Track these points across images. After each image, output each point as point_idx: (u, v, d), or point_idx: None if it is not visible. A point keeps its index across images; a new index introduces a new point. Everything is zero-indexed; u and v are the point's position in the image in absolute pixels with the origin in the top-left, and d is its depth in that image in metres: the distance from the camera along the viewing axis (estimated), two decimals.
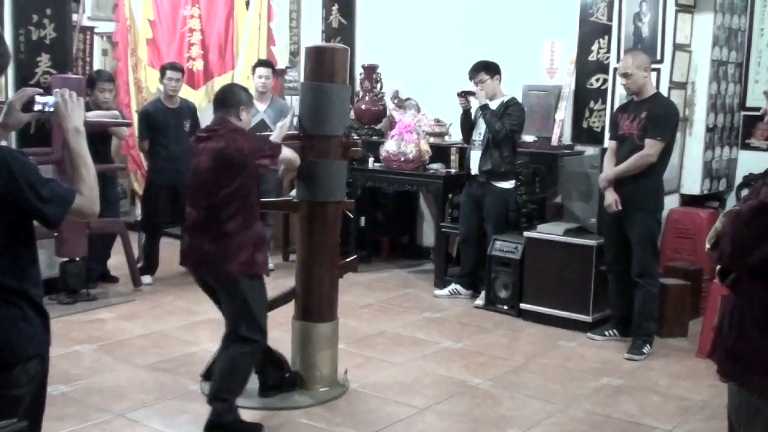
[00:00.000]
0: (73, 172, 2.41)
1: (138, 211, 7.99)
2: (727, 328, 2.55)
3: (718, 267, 2.58)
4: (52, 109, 2.45)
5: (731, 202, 6.55)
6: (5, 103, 2.51)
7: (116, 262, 6.76)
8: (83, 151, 2.42)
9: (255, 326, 3.97)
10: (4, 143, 2.54)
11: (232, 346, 3.98)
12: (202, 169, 3.92)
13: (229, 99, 4.03)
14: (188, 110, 6.91)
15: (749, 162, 6.52)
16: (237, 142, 3.88)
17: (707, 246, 2.67)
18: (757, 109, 6.43)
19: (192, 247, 3.99)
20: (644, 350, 5.23)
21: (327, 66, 4.34)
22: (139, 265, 6.68)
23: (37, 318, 2.37)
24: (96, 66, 7.88)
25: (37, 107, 2.47)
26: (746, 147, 6.62)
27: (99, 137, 5.97)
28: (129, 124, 6.84)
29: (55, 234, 5.58)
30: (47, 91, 2.57)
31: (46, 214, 2.29)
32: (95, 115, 5.90)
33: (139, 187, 7.72)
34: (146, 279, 6.67)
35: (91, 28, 7.94)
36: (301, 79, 4.89)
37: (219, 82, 7.85)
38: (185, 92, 7.21)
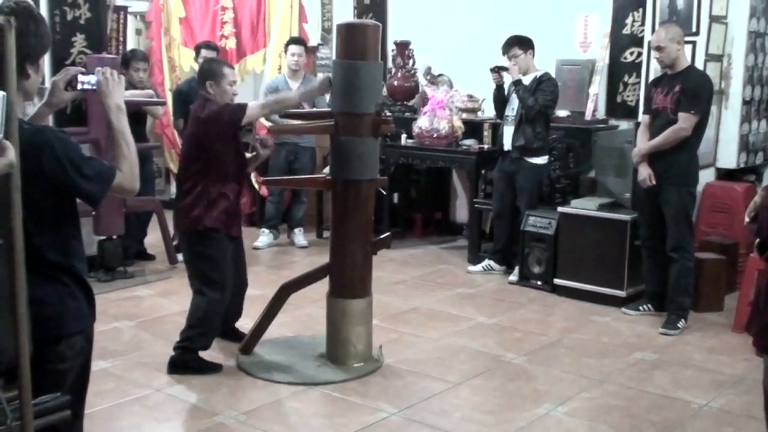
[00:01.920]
0: (115, 149, 2.46)
1: (173, 189, 8.07)
2: (763, 302, 2.55)
3: (757, 240, 2.58)
4: (94, 88, 2.50)
5: None
6: (48, 84, 2.56)
7: (152, 239, 6.85)
8: (124, 128, 2.47)
9: (207, 280, 4.41)
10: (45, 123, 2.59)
11: (192, 298, 4.49)
12: (185, 141, 4.57)
13: (199, 77, 4.57)
14: None
15: None
16: (198, 111, 4.38)
17: (746, 219, 2.68)
18: None
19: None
20: (679, 325, 5.21)
21: (358, 43, 4.34)
22: (174, 242, 6.74)
23: (81, 293, 2.42)
24: (129, 46, 7.94)
25: (79, 86, 2.52)
26: None
27: (134, 116, 5.97)
28: (163, 103, 6.91)
29: (93, 213, 5.66)
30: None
31: (88, 192, 2.34)
32: (130, 95, 5.94)
33: (174, 166, 7.80)
34: (182, 256, 6.73)
35: (125, 8, 7.99)
36: (333, 57, 4.91)
37: (251, 61, 7.90)
38: None
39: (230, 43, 7.97)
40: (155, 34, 7.84)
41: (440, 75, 7.73)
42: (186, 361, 4.43)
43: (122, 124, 2.48)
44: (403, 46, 7.72)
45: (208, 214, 4.34)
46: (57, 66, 5.53)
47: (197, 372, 4.40)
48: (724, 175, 6.31)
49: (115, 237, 6.11)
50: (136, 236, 6.67)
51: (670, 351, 4.88)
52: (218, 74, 4.43)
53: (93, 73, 2.51)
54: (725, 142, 6.19)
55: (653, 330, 5.22)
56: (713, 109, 5.48)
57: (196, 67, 6.97)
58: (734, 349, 4.89)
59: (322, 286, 4.65)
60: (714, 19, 5.94)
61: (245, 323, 4.90)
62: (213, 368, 4.46)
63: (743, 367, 4.60)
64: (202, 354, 4.50)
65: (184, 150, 4.59)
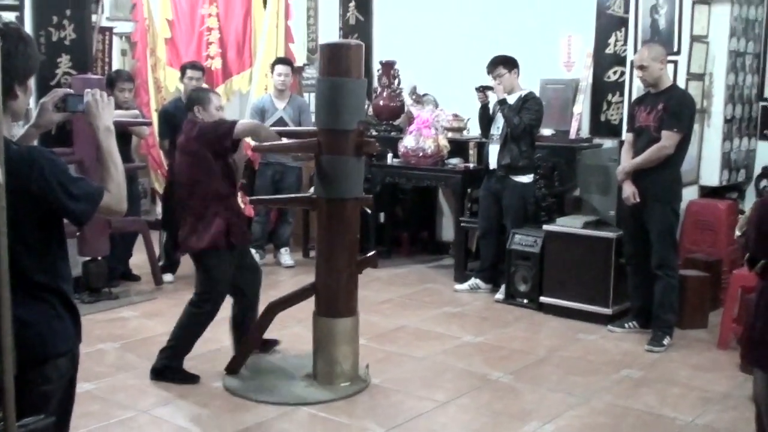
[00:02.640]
0: (102, 170, 2.46)
1: (158, 209, 8.06)
2: (754, 315, 2.58)
3: (747, 255, 2.61)
4: (83, 109, 2.51)
5: (750, 193, 6.54)
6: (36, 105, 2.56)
7: (138, 260, 6.83)
8: (113, 149, 2.48)
9: (202, 294, 4.59)
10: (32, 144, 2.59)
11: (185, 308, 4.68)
12: (177, 166, 4.72)
13: (187, 104, 4.80)
14: None
15: None
16: (189, 133, 4.51)
17: (737, 233, 2.72)
18: None
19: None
20: (664, 342, 5.23)
21: (342, 62, 4.38)
22: (160, 263, 6.75)
23: (68, 315, 2.41)
24: (115, 66, 7.95)
25: (68, 107, 2.52)
26: (765, 138, 6.62)
27: (120, 136, 5.89)
28: (149, 123, 6.91)
29: (78, 233, 5.64)
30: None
31: (75, 212, 2.33)
32: (116, 115, 5.93)
33: (159, 186, 7.78)
34: (168, 277, 6.73)
35: (110, 29, 8.00)
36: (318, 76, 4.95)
37: (237, 81, 7.92)
38: None
39: (216, 64, 7.98)
40: (141, 54, 7.83)
41: (425, 94, 7.77)
42: (168, 369, 4.58)
43: (111, 145, 2.49)
44: (388, 66, 7.76)
45: (206, 235, 4.48)
46: (42, 86, 5.52)
47: (177, 381, 4.53)
48: (708, 192, 6.36)
49: (100, 258, 6.09)
50: (121, 257, 6.64)
51: (656, 368, 4.90)
52: (205, 100, 4.63)
53: (82, 95, 2.52)
54: (708, 159, 6.25)
55: (639, 347, 5.24)
56: (696, 127, 5.54)
57: (182, 87, 7.00)
58: (719, 366, 4.92)
59: (309, 305, 4.64)
60: (695, 38, 6.01)
61: (231, 344, 4.88)
62: (192, 379, 4.57)
63: (728, 384, 4.63)
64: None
65: (178, 175, 4.74)
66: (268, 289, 6.15)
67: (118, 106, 6.20)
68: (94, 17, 7.25)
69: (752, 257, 2.59)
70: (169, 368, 4.59)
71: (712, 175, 6.26)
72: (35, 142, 2.73)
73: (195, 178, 4.50)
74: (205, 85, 6.49)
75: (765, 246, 2.45)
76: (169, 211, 6.97)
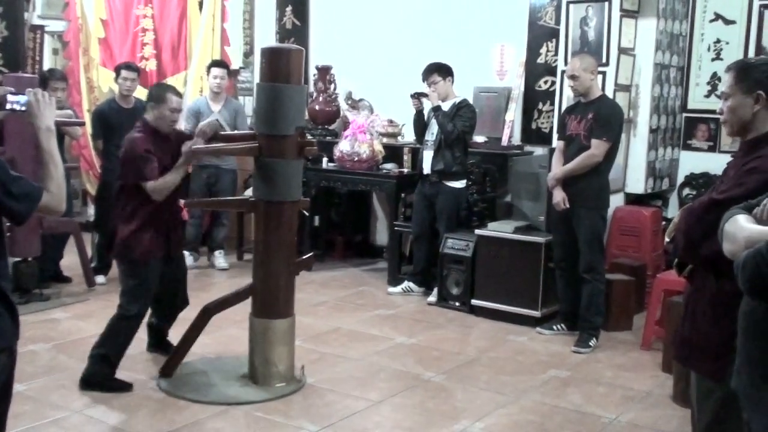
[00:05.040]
0: (42, 169, 2.47)
1: (90, 211, 7.97)
2: (683, 317, 2.73)
3: (676, 260, 2.74)
4: (24, 108, 2.51)
5: (674, 201, 6.78)
6: None
7: (69, 262, 6.74)
8: (53, 149, 2.49)
9: (130, 299, 4.48)
10: None
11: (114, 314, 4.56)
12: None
13: (147, 97, 4.69)
14: (142, 110, 6.85)
15: (690, 162, 6.76)
16: (126, 143, 4.52)
17: (666, 239, 2.85)
18: (698, 111, 6.70)
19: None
20: (591, 343, 5.39)
21: (282, 67, 4.42)
22: (92, 264, 6.68)
23: (6, 311, 2.43)
24: (46, 65, 7.85)
25: (9, 106, 2.53)
26: (688, 147, 6.83)
27: None
28: (83, 123, 6.83)
29: (8, 233, 5.55)
30: None
31: (14, 211, 2.35)
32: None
33: (91, 187, 7.70)
34: (100, 279, 6.66)
35: (42, 27, 7.90)
36: (255, 80, 4.98)
37: (172, 82, 7.87)
38: (138, 92, 7.20)
39: (150, 65, 7.94)
40: (73, 54, 7.74)
41: (361, 100, 7.85)
42: (98, 377, 4.45)
43: (51, 145, 2.50)
44: (324, 71, 7.83)
45: (139, 241, 4.43)
46: None
47: (108, 390, 4.40)
48: (633, 200, 6.57)
49: (30, 258, 6.00)
50: (52, 258, 6.55)
51: (582, 368, 5.06)
52: (161, 98, 4.53)
53: (23, 94, 2.52)
54: (633, 168, 6.45)
55: (566, 348, 5.40)
56: (623, 136, 5.72)
57: (116, 88, 6.94)
58: (642, 366, 5.10)
59: (244, 307, 4.67)
60: (623, 51, 6.22)
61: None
62: (124, 387, 4.46)
63: (650, 383, 4.81)
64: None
65: (116, 175, 4.72)
66: (202, 292, 6.17)
67: None
68: (25, 15, 7.16)
69: (680, 262, 2.72)
70: (98, 376, 4.47)
71: (637, 182, 6.47)
72: None
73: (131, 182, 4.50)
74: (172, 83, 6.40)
75: (692, 252, 2.58)
76: (101, 213, 6.91)
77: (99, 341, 4.50)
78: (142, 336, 4.75)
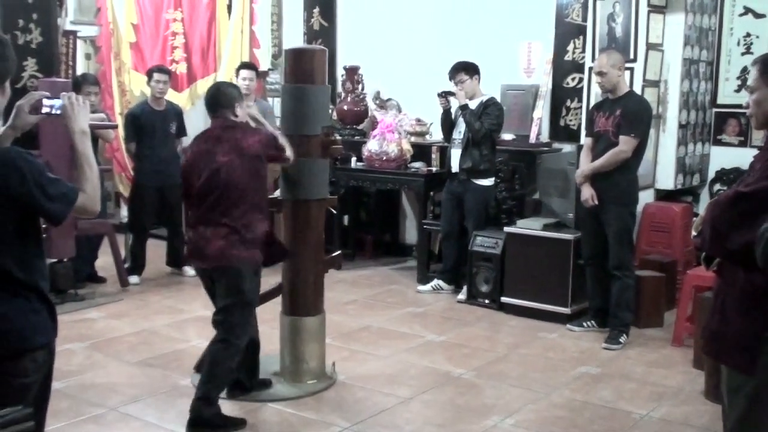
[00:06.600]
0: (78, 171, 2.53)
1: (123, 212, 8.09)
2: (712, 310, 2.72)
3: (703, 254, 2.74)
4: (59, 112, 2.56)
5: (704, 197, 6.74)
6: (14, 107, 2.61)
7: (103, 262, 6.85)
8: (88, 151, 2.55)
9: (236, 325, 4.04)
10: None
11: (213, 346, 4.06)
12: (227, 167, 3.97)
13: (222, 99, 4.12)
14: (174, 113, 7.01)
15: (721, 157, 6.73)
16: (251, 137, 4.06)
17: (693, 233, 2.84)
18: (728, 106, 6.66)
19: (203, 240, 4.03)
20: (621, 340, 5.38)
21: (306, 67, 4.47)
22: (126, 265, 6.78)
23: (45, 309, 2.49)
24: (79, 70, 7.96)
25: (44, 110, 2.58)
26: (718, 143, 6.80)
27: None
28: (115, 126, 6.95)
29: (44, 235, 5.65)
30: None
31: (52, 212, 2.41)
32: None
33: (124, 189, 7.82)
34: (133, 279, 6.76)
35: (74, 32, 8.02)
36: (282, 81, 5.01)
37: (202, 85, 7.97)
38: (169, 95, 7.31)
39: (181, 68, 8.04)
40: (105, 58, 7.87)
41: (389, 99, 7.88)
42: (207, 417, 3.95)
43: (86, 147, 2.56)
44: (352, 71, 7.87)
45: (252, 249, 4.06)
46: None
47: (221, 428, 3.97)
48: (663, 196, 6.54)
49: (65, 259, 6.11)
50: (87, 259, 6.67)
51: (613, 365, 5.06)
52: (241, 97, 4.23)
53: (58, 98, 2.58)
54: (663, 164, 6.42)
55: (597, 345, 5.39)
56: (651, 132, 5.70)
57: (147, 91, 7.04)
58: (673, 363, 5.09)
59: (274, 305, 4.73)
60: (651, 46, 6.20)
61: (198, 343, 4.95)
62: (236, 424, 4.03)
63: (681, 380, 4.79)
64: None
65: (238, 184, 4.00)
66: None
67: None
68: (58, 21, 7.27)
69: (708, 256, 2.72)
70: (208, 417, 3.94)
71: (667, 178, 6.44)
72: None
73: (252, 184, 4.05)
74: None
75: (719, 245, 2.57)
76: (135, 214, 7.01)
77: (203, 379, 4.00)
78: (179, 334, 4.82)
